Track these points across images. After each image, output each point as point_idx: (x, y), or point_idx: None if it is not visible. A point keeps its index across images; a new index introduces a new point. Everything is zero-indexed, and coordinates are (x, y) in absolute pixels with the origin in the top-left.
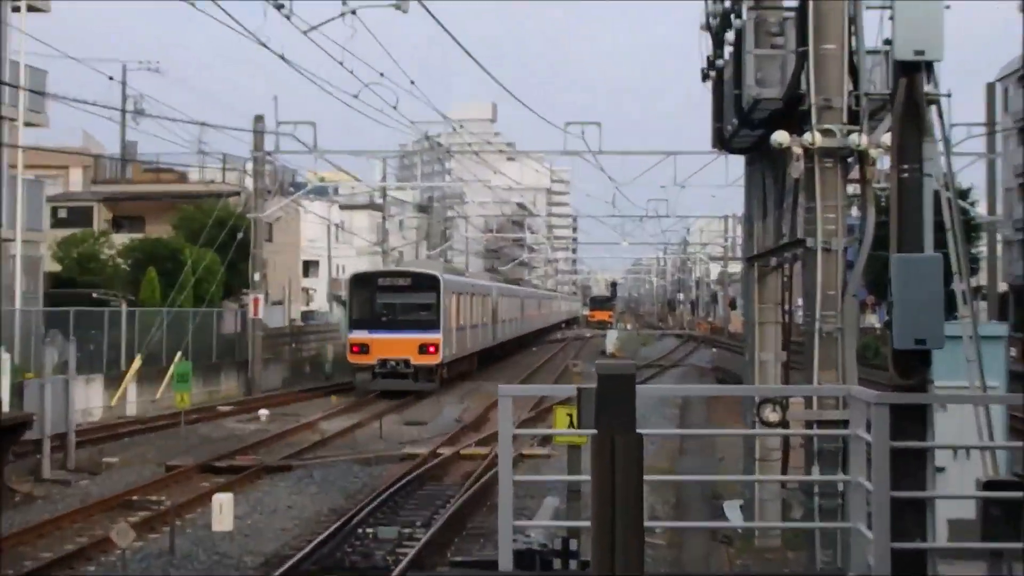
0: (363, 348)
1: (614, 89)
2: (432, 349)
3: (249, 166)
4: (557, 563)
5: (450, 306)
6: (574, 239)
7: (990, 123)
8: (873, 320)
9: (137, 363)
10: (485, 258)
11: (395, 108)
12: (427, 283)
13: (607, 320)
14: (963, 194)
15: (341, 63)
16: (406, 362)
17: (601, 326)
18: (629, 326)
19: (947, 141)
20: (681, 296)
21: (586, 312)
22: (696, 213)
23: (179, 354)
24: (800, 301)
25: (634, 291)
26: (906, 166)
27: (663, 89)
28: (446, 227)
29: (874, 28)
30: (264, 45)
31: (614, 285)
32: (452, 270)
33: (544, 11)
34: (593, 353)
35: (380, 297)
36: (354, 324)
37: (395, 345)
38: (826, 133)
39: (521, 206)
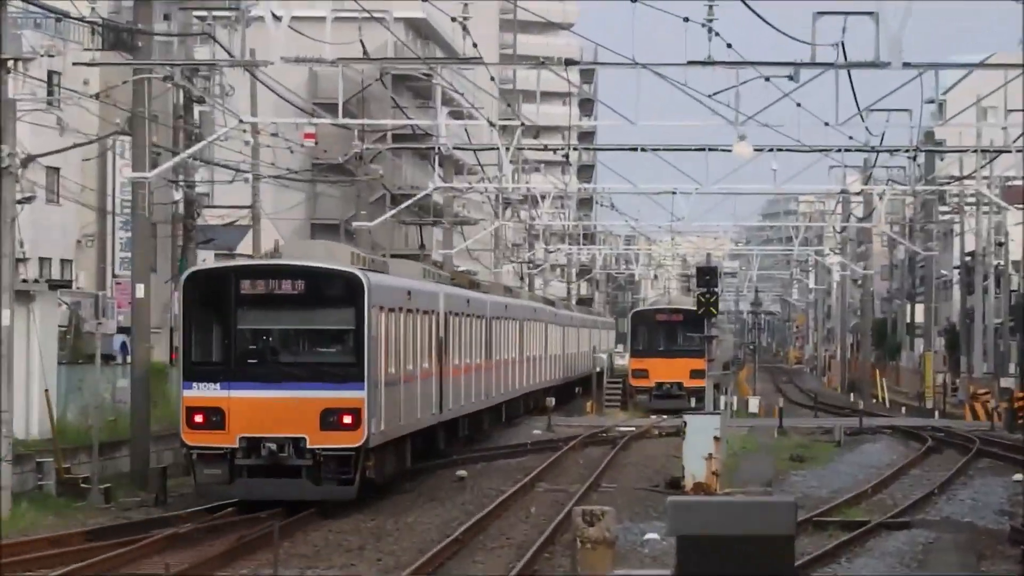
0: (212, 419)
1: None
2: (348, 419)
3: None
4: None
5: (380, 334)
6: (575, 148)
7: None
8: None
9: None
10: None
11: None
12: (339, 290)
13: (686, 384)
14: None
15: None
16: (296, 444)
17: (666, 394)
18: (752, 397)
19: None
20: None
21: (621, 356)
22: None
23: None
24: None
25: (771, 296)
26: None
27: None
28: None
29: None
30: None
31: (707, 274)
32: (368, 257)
33: None
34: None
35: (242, 318)
36: (192, 371)
37: (274, 412)
38: None
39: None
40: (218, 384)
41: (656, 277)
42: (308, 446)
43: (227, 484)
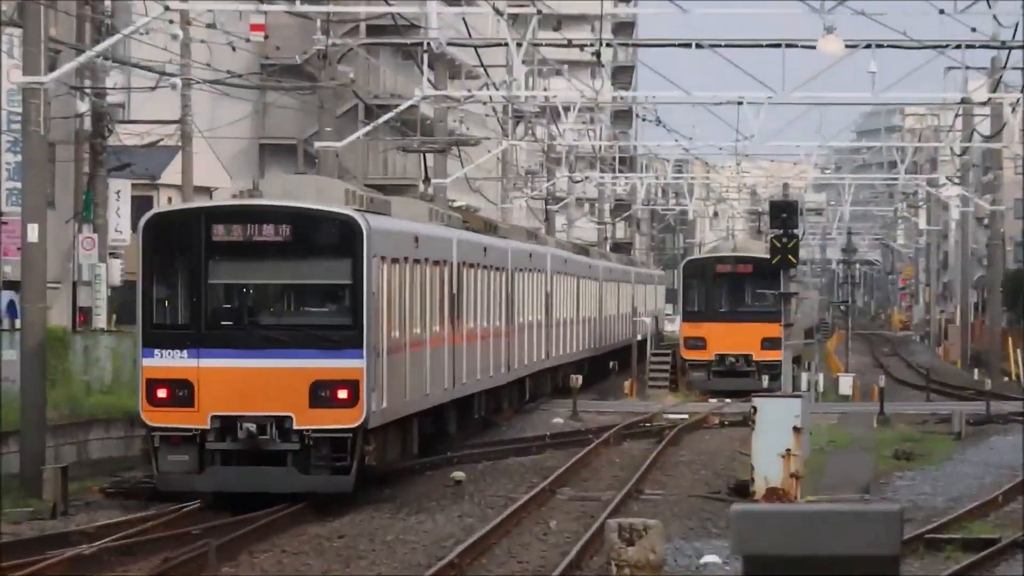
0: (178, 392)
1: None
2: (343, 394)
3: None
4: None
5: (382, 291)
6: (608, 44)
7: None
8: None
9: None
10: None
11: None
12: (331, 236)
13: (755, 357)
14: None
15: None
16: (280, 425)
17: (729, 370)
18: (844, 374)
19: None
20: None
21: (670, 320)
22: None
23: None
24: None
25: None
26: None
27: None
28: None
29: None
30: None
31: (784, 211)
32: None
33: None
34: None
35: (214, 271)
36: (153, 336)
37: (254, 386)
38: None
39: None
40: (185, 351)
41: (716, 215)
42: (295, 427)
43: (196, 473)
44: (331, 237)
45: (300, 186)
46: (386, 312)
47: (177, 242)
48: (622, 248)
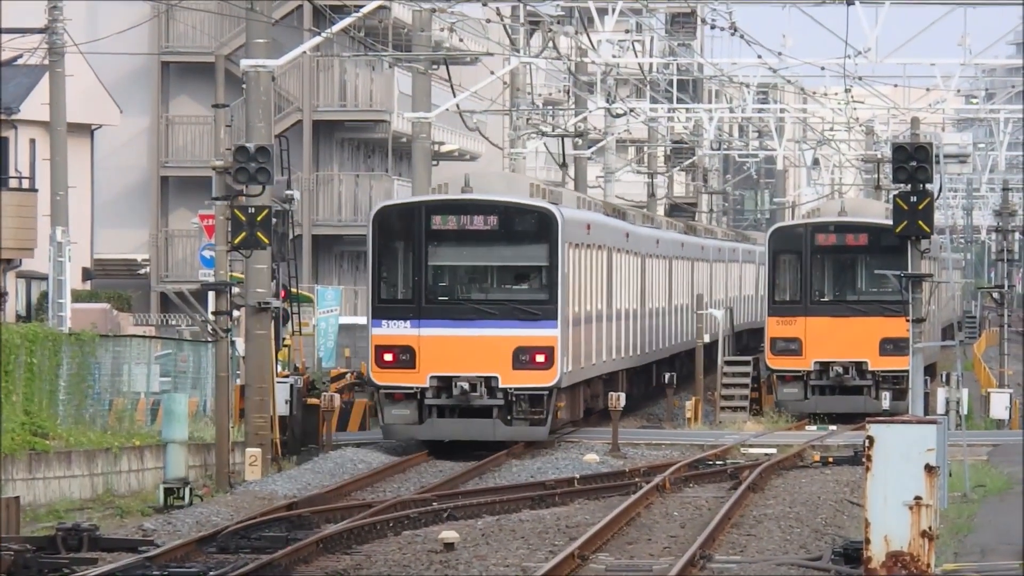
0: (402, 356)
1: None
2: (541, 358)
3: None
4: None
5: (570, 271)
6: None
7: None
8: None
9: None
10: None
11: None
12: (531, 225)
13: (872, 365)
14: None
15: None
16: (488, 384)
17: (835, 384)
18: (998, 390)
19: None
20: None
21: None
22: None
23: None
24: None
25: None
26: None
27: None
28: None
29: None
30: None
31: (913, 158)
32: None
33: None
34: None
35: (433, 254)
36: (381, 309)
37: (466, 351)
38: None
39: None
40: (408, 322)
41: (817, 163)
42: (500, 385)
43: (416, 424)
44: (531, 226)
45: (494, 182)
46: (572, 289)
47: (401, 230)
48: (679, 209)
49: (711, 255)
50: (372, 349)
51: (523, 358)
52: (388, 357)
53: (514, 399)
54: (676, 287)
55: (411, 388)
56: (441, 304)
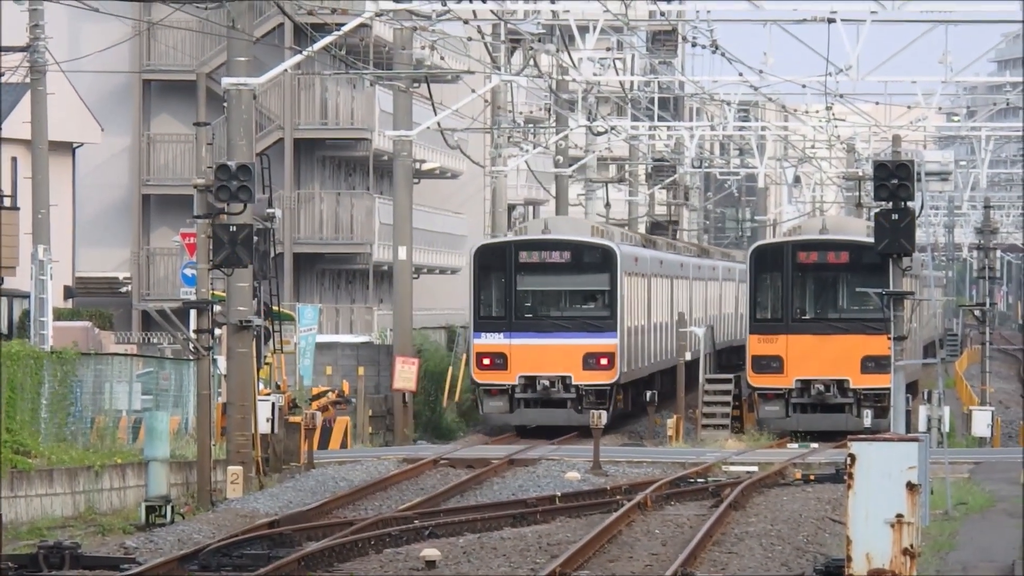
0: (496, 361)
1: None
2: (604, 361)
3: None
4: None
5: (625, 294)
6: None
7: None
8: None
9: None
10: None
11: None
12: (596, 258)
13: (853, 383)
14: None
15: None
16: (564, 381)
17: (816, 401)
18: (979, 408)
19: None
20: None
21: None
22: None
23: None
24: None
25: None
26: None
27: None
28: None
29: None
30: None
31: (895, 175)
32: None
33: None
34: None
35: (521, 281)
36: (481, 324)
37: (546, 356)
38: None
39: None
40: (502, 334)
41: (797, 181)
42: (573, 382)
43: (508, 413)
44: (597, 258)
45: (560, 223)
46: (628, 308)
47: (496, 263)
48: (660, 228)
49: (691, 273)
50: (473, 355)
51: (591, 361)
52: (486, 361)
53: (584, 393)
54: (655, 305)
55: (504, 385)
56: (527, 320)
